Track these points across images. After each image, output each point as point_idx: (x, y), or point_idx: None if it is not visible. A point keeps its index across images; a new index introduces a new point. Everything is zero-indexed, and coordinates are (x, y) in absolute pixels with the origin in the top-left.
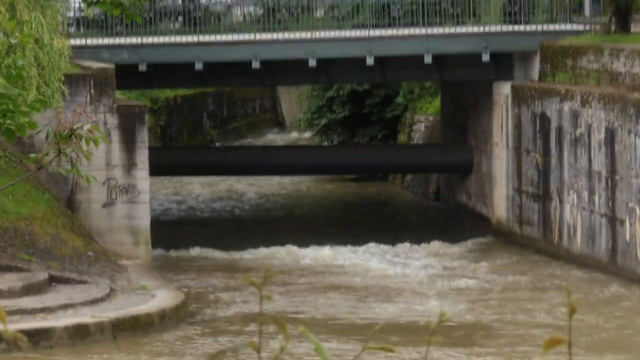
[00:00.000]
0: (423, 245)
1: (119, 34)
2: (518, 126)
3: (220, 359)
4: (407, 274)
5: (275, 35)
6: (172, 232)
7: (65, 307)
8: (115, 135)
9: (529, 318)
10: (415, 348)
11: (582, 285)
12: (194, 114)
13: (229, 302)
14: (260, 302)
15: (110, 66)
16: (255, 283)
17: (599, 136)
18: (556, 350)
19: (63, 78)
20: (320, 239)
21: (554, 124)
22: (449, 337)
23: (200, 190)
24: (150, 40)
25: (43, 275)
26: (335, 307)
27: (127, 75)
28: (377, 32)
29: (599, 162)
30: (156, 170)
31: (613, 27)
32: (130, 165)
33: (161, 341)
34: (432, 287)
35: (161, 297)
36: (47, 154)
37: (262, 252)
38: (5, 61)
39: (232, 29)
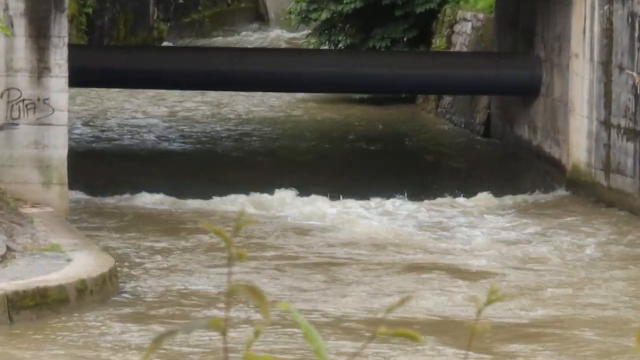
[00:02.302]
0: (466, 200)
1: None
2: (608, 30)
3: (165, 340)
4: (442, 244)
5: None
6: (99, 168)
7: None
8: (20, 26)
9: (618, 311)
10: (454, 348)
11: None
12: None
13: (178, 269)
14: (229, 262)
15: None
16: (222, 233)
17: None
18: None
19: None
20: (316, 186)
21: None
22: (509, 333)
23: (142, 109)
24: None
25: None
26: (335, 289)
27: None
28: None
29: None
30: (79, 79)
31: None
32: (40, 70)
33: (78, 326)
34: (478, 262)
35: (80, 262)
36: None
37: (228, 200)
38: None
39: None
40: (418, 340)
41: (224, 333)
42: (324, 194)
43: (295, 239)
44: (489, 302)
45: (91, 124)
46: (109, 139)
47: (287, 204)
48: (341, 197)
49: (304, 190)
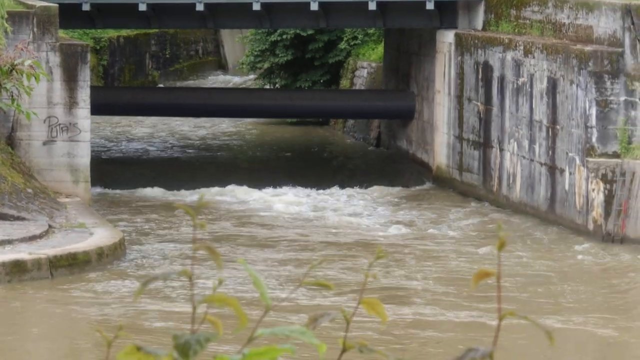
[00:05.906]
0: (361, 189)
1: None
2: (460, 74)
3: (149, 284)
4: (342, 219)
5: None
6: (112, 171)
7: (2, 243)
8: (57, 74)
9: (463, 263)
10: (347, 302)
11: (519, 231)
12: (136, 54)
13: (168, 239)
14: (194, 229)
15: (54, 5)
16: (188, 209)
17: (540, 86)
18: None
19: (6, 15)
20: (260, 181)
21: (496, 73)
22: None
23: (142, 130)
24: None
25: None
26: (266, 250)
27: (70, 14)
28: None
29: (540, 112)
30: (98, 109)
31: None
32: (71, 103)
33: (98, 279)
34: (369, 234)
35: (99, 235)
36: None
37: (202, 192)
38: None
39: None
40: (330, 287)
41: (190, 279)
42: (267, 186)
43: (249, 216)
44: (377, 257)
45: (107, 140)
46: (119, 150)
47: (237, 195)
48: (271, 187)
49: (256, 183)
